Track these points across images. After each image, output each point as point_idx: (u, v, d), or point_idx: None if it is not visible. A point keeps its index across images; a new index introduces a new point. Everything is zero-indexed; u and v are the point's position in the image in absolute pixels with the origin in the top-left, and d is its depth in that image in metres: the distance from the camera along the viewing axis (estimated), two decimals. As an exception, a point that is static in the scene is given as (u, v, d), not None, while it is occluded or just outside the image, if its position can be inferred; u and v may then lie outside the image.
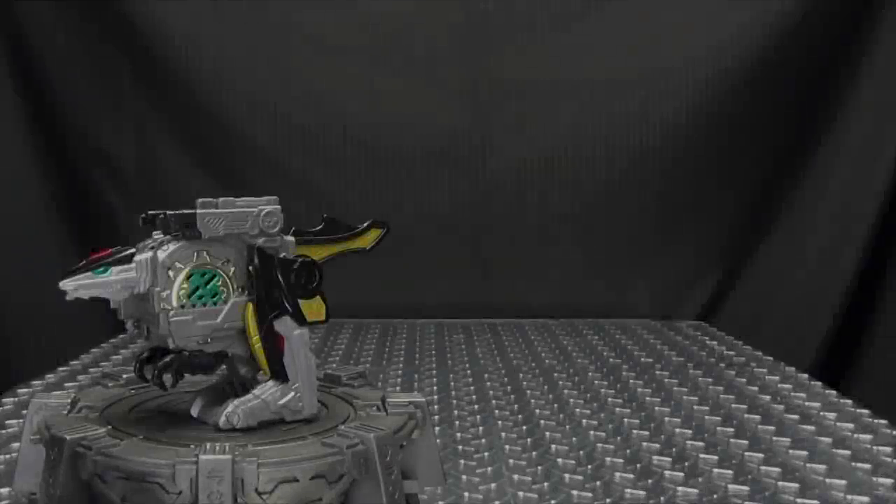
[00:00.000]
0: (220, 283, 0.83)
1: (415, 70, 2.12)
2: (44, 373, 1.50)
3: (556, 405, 1.31)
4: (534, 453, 1.08)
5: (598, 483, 0.98)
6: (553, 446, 1.11)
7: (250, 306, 0.83)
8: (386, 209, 2.09)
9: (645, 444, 1.12)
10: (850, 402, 1.33)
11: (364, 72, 2.11)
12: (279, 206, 0.84)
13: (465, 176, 2.13)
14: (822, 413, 1.26)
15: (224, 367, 0.86)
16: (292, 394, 0.84)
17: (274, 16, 2.11)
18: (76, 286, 0.78)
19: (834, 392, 1.39)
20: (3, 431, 1.18)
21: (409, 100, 2.12)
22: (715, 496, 0.95)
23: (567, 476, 1.00)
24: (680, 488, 0.96)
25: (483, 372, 1.53)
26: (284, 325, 0.83)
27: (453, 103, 2.13)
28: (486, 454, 1.08)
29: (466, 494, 0.95)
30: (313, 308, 0.84)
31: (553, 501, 0.93)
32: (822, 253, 2.08)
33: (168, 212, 0.82)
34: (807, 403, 1.32)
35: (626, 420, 1.22)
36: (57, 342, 1.89)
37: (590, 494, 0.95)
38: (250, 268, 0.83)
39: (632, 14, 2.07)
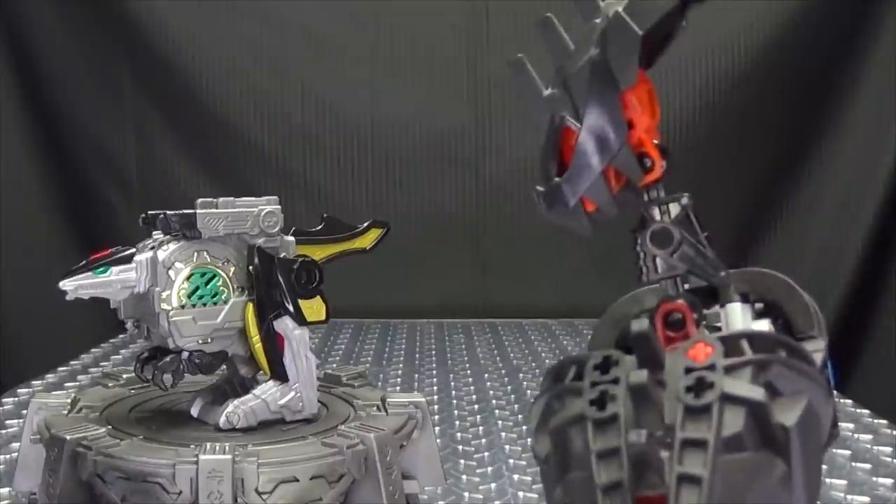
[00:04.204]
0: (220, 283, 0.83)
1: (415, 70, 2.12)
2: (44, 373, 1.50)
3: (556, 405, 1.30)
4: (534, 453, 1.08)
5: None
6: (553, 446, 1.11)
7: (250, 306, 0.83)
8: (386, 209, 2.09)
9: (645, 444, 1.11)
10: (850, 402, 1.33)
11: (364, 72, 2.11)
12: (279, 206, 0.84)
13: (465, 176, 2.13)
14: (822, 413, 1.26)
15: (224, 367, 0.87)
16: (292, 394, 0.84)
17: (274, 16, 2.11)
18: (76, 286, 0.78)
19: (834, 392, 1.39)
20: (3, 431, 1.18)
21: (409, 100, 2.12)
22: (715, 496, 0.95)
23: (567, 476, 1.00)
24: (680, 488, 0.96)
25: (483, 372, 1.53)
26: (284, 325, 0.83)
27: (453, 103, 2.13)
28: (486, 454, 1.08)
29: (466, 494, 0.95)
30: (313, 308, 0.84)
31: (553, 501, 0.93)
32: (822, 253, 2.08)
33: (168, 212, 0.82)
34: (807, 403, 1.31)
35: (626, 420, 1.22)
36: (57, 342, 1.89)
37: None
38: (250, 268, 0.83)
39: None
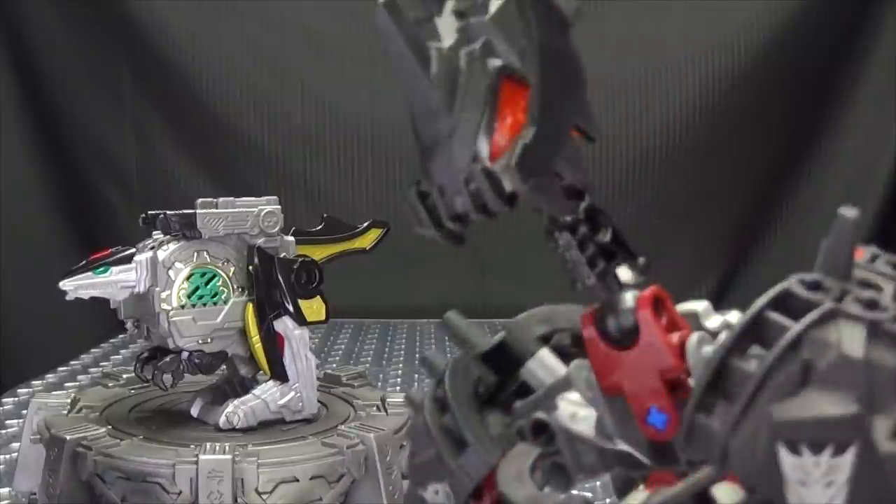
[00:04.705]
0: (220, 283, 0.83)
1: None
2: (44, 373, 1.49)
3: (556, 405, 1.30)
4: (534, 453, 1.08)
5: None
6: (553, 446, 1.10)
7: (250, 306, 0.83)
8: (386, 209, 2.08)
9: (645, 444, 1.11)
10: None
11: (364, 72, 2.11)
12: (279, 206, 0.85)
13: (465, 176, 2.13)
14: (822, 413, 1.26)
15: (224, 367, 0.87)
16: (292, 394, 0.84)
17: (274, 16, 2.11)
18: (76, 286, 0.78)
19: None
20: (3, 431, 1.18)
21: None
22: (715, 496, 0.95)
23: (567, 476, 1.00)
24: (680, 488, 0.96)
25: (483, 372, 1.53)
26: (284, 325, 0.83)
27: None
28: (485, 454, 1.08)
29: (466, 494, 0.95)
30: (313, 308, 0.85)
31: (553, 501, 0.93)
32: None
33: (168, 212, 0.82)
34: (807, 403, 1.31)
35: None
36: (57, 342, 1.89)
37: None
38: (250, 268, 0.83)
39: (632, 14, 2.07)
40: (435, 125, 0.42)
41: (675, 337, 0.42)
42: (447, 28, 0.41)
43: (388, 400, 0.88)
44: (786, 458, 0.36)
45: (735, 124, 2.08)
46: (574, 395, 0.46)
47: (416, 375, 1.50)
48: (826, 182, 2.09)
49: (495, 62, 0.40)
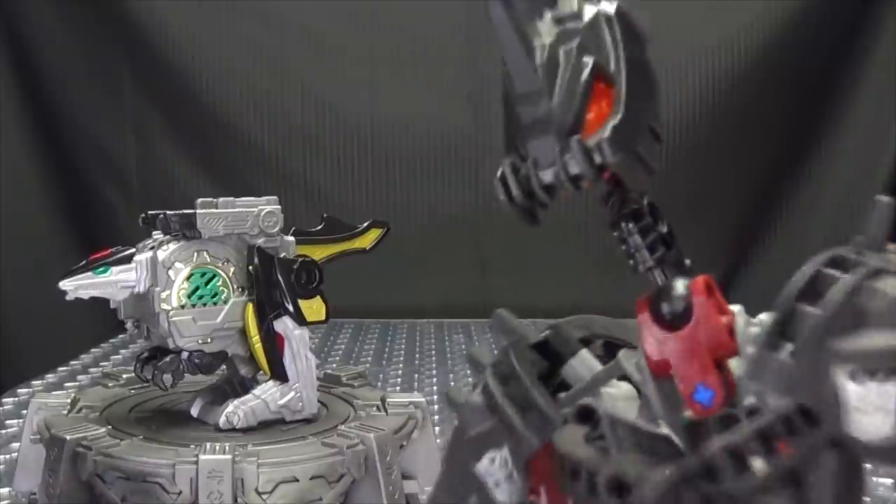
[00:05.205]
0: (220, 283, 0.83)
1: (415, 70, 2.12)
2: (44, 373, 1.49)
3: (556, 405, 1.30)
4: (534, 453, 1.08)
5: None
6: (553, 446, 1.10)
7: (250, 306, 0.83)
8: (386, 209, 2.09)
9: (645, 444, 1.11)
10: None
11: (364, 72, 2.11)
12: (279, 206, 0.85)
13: (465, 176, 2.13)
14: (822, 413, 1.26)
15: (224, 367, 0.87)
16: (292, 394, 0.84)
17: (274, 16, 2.11)
18: (76, 286, 0.78)
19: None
20: (3, 431, 1.18)
21: (409, 100, 2.12)
22: (715, 496, 0.94)
23: (567, 476, 0.99)
24: (680, 488, 0.96)
25: (483, 372, 1.52)
26: (284, 325, 0.83)
27: (453, 103, 2.12)
28: (486, 454, 1.08)
29: (466, 494, 0.95)
30: (313, 308, 0.85)
31: (553, 501, 0.93)
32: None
33: (168, 212, 0.82)
34: (807, 403, 1.31)
35: (626, 420, 1.22)
36: (57, 342, 1.89)
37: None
38: (250, 268, 0.83)
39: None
40: (536, 107, 0.48)
41: (723, 319, 0.47)
42: (547, 30, 0.49)
43: (388, 400, 0.88)
44: (847, 385, 0.41)
45: (735, 124, 2.08)
46: (614, 389, 0.51)
47: (416, 375, 1.50)
48: (826, 182, 2.09)
49: (590, 59, 0.47)
